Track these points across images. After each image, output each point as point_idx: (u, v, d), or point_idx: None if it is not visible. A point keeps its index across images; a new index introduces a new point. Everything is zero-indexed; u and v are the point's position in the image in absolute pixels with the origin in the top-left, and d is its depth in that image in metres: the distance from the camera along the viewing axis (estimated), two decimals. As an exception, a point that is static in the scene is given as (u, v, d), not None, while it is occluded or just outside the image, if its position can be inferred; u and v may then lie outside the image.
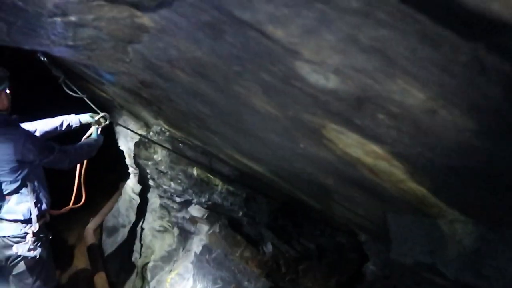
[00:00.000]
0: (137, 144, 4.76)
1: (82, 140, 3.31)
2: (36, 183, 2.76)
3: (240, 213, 4.43)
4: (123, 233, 5.85)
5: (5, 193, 2.64)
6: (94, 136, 3.33)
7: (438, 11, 0.64)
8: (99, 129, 3.40)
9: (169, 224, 5.00)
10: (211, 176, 4.32)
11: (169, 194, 4.69)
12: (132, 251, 5.49)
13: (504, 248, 1.50)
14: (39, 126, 3.17)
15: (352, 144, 1.41)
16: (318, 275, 4.73)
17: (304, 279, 4.73)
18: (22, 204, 2.67)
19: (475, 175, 1.20)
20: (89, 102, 3.16)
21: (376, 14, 0.71)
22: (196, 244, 4.62)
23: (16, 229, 2.69)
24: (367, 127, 1.20)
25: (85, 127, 3.42)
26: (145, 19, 1.23)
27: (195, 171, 4.39)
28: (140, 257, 5.31)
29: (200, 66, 1.43)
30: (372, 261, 3.27)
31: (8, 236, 2.69)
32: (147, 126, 4.50)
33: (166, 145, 4.03)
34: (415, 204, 1.75)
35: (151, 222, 5.26)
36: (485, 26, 0.61)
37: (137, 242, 5.49)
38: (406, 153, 1.25)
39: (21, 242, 2.69)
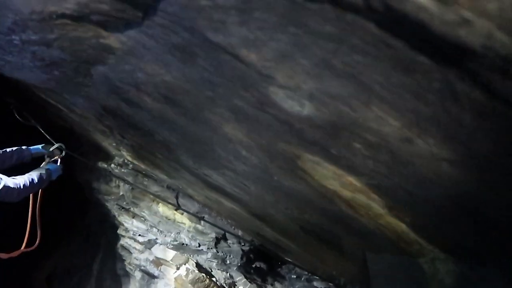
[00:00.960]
0: (96, 177, 4.70)
1: (34, 170, 3.23)
2: None
3: (210, 255, 4.38)
4: (78, 277, 5.67)
5: None
6: (47, 167, 3.25)
7: (411, 36, 0.70)
8: (58, 161, 3.34)
9: (131, 267, 4.88)
10: (178, 214, 4.28)
11: (131, 233, 4.60)
12: (88, 298, 5.31)
13: (486, 286, 1.55)
14: None
15: (328, 176, 1.45)
16: (294, 324, 4.67)
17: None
18: None
19: (454, 208, 1.26)
20: (42, 131, 3.11)
21: (350, 39, 0.76)
22: (161, 290, 4.52)
23: None
24: (343, 157, 1.25)
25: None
26: (112, 40, 1.27)
27: (160, 208, 4.34)
28: (97, 304, 5.14)
29: (169, 91, 1.46)
30: (352, 308, 3.26)
31: None
32: (109, 157, 4.46)
33: (129, 178, 4.00)
34: (395, 241, 1.79)
35: (110, 264, 5.12)
36: (455, 53, 0.66)
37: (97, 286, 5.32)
38: (384, 185, 1.29)
39: None
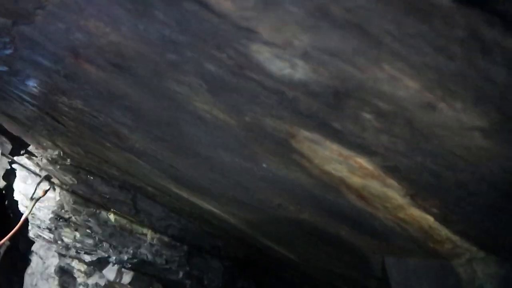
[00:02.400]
0: (22, 179, 4.71)
1: None
2: None
3: (181, 274, 4.47)
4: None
5: None
6: None
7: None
8: None
9: (74, 297, 4.95)
10: (135, 222, 4.35)
11: (73, 251, 4.65)
12: None
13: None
14: None
15: (331, 159, 1.52)
16: None
17: None
18: None
19: (494, 193, 1.33)
20: None
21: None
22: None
23: None
24: (349, 133, 1.31)
25: None
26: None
27: (112, 216, 4.40)
28: None
29: (119, 56, 1.50)
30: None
31: None
32: (36, 151, 4.48)
33: (68, 177, 4.03)
34: (420, 240, 1.87)
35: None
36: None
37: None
38: (403, 166, 1.36)
39: None
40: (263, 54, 1.14)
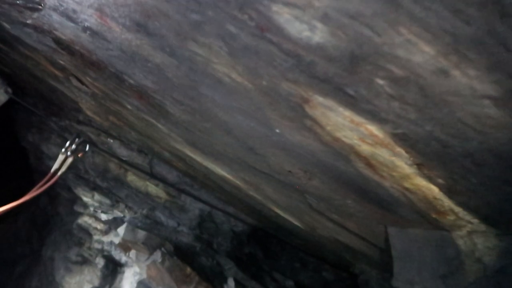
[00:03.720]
0: (46, 139, 4.75)
1: None
2: None
3: (192, 237, 4.50)
4: (23, 267, 5.80)
5: None
6: None
7: None
8: None
9: (90, 253, 5.00)
10: (151, 184, 4.37)
11: (91, 209, 4.69)
12: (35, 292, 5.44)
13: (536, 266, 1.63)
14: None
15: (343, 125, 1.51)
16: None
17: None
18: None
19: (499, 165, 1.32)
20: None
21: None
22: (129, 281, 4.65)
23: None
24: (362, 99, 1.30)
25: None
26: None
27: (129, 177, 4.43)
28: (47, 300, 5.28)
29: (143, 15, 1.49)
30: (369, 300, 3.40)
31: None
32: (62, 112, 4.50)
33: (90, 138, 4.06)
34: (424, 211, 1.87)
35: (64, 249, 5.24)
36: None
37: (43, 279, 5.45)
38: (412, 135, 1.35)
39: None
40: (283, 16, 1.12)
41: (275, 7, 1.10)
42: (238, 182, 3.08)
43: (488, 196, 1.55)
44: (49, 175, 3.70)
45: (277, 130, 1.84)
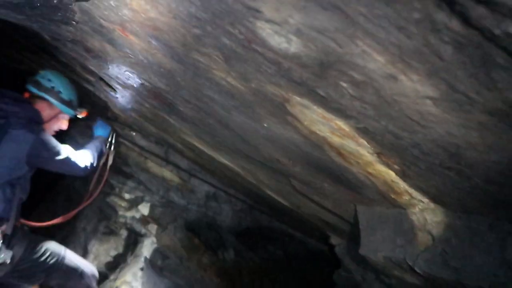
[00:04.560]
0: (79, 132, 4.77)
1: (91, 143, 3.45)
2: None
3: (199, 214, 4.52)
4: (61, 237, 5.83)
5: None
6: (97, 133, 3.60)
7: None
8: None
9: (116, 226, 5.03)
10: (166, 170, 4.39)
11: (117, 190, 4.72)
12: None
13: (473, 236, 1.66)
14: None
15: (317, 121, 1.54)
16: (286, 286, 4.87)
17: (269, 291, 4.86)
18: None
19: (441, 154, 1.34)
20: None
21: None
22: (147, 248, 4.67)
23: None
24: (331, 99, 1.33)
25: None
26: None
27: (148, 164, 4.45)
28: (80, 263, 5.31)
29: (156, 30, 1.52)
30: (344, 266, 3.42)
31: None
32: (93, 108, 4.53)
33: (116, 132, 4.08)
34: (384, 192, 1.89)
35: (94, 223, 5.27)
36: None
37: (77, 246, 5.48)
38: (371, 128, 1.38)
39: None
40: (265, 30, 1.15)
41: (258, 23, 1.13)
42: (237, 169, 3.10)
43: (434, 180, 1.57)
44: (100, 168, 3.72)
45: (265, 125, 1.86)
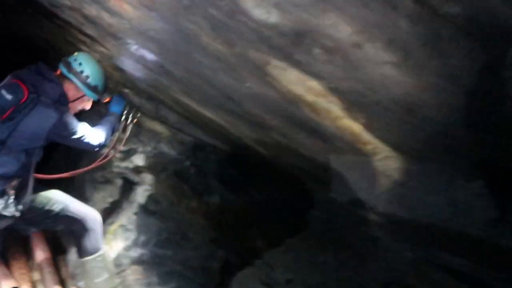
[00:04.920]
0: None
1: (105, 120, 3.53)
2: None
3: (187, 163, 4.61)
4: (59, 185, 5.88)
5: None
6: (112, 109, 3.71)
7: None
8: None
9: (112, 175, 5.10)
10: (157, 124, 4.43)
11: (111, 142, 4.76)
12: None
13: (425, 180, 1.79)
14: None
15: (293, 81, 1.61)
16: (264, 226, 5.06)
17: (249, 230, 5.05)
18: None
19: (400, 109, 1.44)
20: None
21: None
22: (141, 195, 4.77)
23: None
24: (306, 62, 1.40)
25: None
26: None
27: (141, 118, 4.48)
28: (80, 209, 5.40)
29: (150, 1, 1.55)
30: (316, 208, 3.59)
31: None
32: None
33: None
34: (352, 142, 1.99)
35: (91, 173, 5.32)
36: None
37: (76, 195, 5.55)
38: (340, 88, 1.47)
39: None
40: (248, 3, 1.21)
41: (242, -3, 1.19)
42: (222, 122, 3.17)
43: (394, 132, 1.68)
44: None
45: (247, 84, 1.92)
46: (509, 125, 1.17)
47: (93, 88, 2.98)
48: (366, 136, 1.85)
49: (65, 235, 4.59)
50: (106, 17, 2.00)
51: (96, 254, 3.17)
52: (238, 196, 4.86)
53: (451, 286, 2.27)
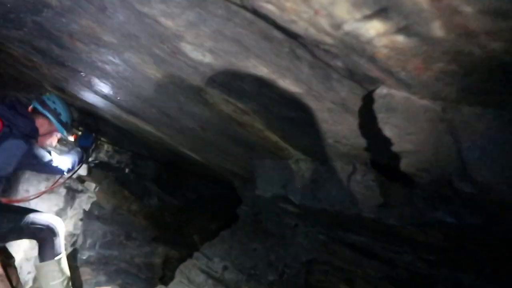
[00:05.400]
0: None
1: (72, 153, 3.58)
2: None
3: (127, 170, 4.64)
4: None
5: None
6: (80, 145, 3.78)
7: (266, 19, 1.03)
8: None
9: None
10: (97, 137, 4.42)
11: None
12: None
13: (331, 177, 2.06)
14: None
15: (223, 103, 1.80)
16: (199, 222, 5.21)
17: (186, 227, 5.17)
18: None
19: (303, 124, 1.68)
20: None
21: (235, 19, 1.08)
22: (85, 202, 4.72)
23: None
24: (233, 89, 1.60)
25: None
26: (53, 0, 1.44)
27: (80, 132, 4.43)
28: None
29: (99, 40, 1.66)
30: (244, 203, 3.80)
31: None
32: (29, 88, 4.34)
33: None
34: (271, 149, 2.22)
35: (36, 184, 5.14)
36: (289, 33, 1.02)
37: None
38: (259, 109, 1.68)
39: None
40: (187, 48, 1.38)
41: (182, 43, 1.36)
42: (160, 134, 3.27)
43: (302, 139, 1.92)
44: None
45: (185, 108, 2.08)
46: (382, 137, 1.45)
47: (64, 124, 3.12)
48: (282, 143, 2.09)
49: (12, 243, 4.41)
50: (55, 50, 2.05)
51: (56, 258, 3.15)
52: (175, 197, 4.96)
53: (356, 259, 2.58)
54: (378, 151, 1.61)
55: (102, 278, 4.45)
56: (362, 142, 1.58)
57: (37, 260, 3.22)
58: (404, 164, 1.22)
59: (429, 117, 1.01)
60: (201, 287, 3.35)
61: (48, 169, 3.03)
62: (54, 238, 3.17)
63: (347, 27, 0.84)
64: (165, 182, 5.02)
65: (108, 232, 4.63)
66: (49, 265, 3.12)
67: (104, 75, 2.14)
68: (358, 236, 2.60)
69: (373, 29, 0.81)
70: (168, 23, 1.23)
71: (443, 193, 1.33)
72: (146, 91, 2.12)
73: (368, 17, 0.79)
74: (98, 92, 2.61)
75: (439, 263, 2.11)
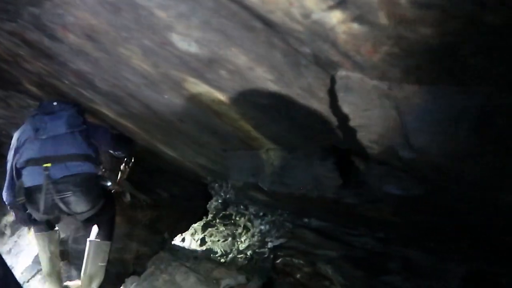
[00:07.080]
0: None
1: None
2: None
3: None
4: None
5: None
6: None
7: (246, 9, 1.21)
8: None
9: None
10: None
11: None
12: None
13: (297, 163, 2.24)
14: None
15: (204, 93, 1.96)
16: (171, 219, 5.28)
17: (158, 223, 5.23)
18: None
19: (274, 112, 1.86)
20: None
21: (222, 11, 1.25)
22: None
23: None
24: (214, 80, 1.76)
25: None
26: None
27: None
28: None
29: (93, 32, 1.78)
30: (215, 198, 3.94)
31: None
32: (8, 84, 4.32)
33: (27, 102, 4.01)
34: (244, 139, 2.38)
35: None
36: (267, 22, 1.20)
37: None
38: (237, 98, 1.84)
39: None
40: (175, 38, 1.52)
41: (172, 34, 1.51)
42: (138, 130, 3.36)
43: (273, 129, 2.09)
44: None
45: (166, 96, 2.20)
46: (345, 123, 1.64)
47: None
48: (255, 133, 2.24)
49: None
50: (46, 42, 2.14)
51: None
52: (147, 195, 5.02)
53: (318, 241, 2.77)
54: (337, 134, 1.80)
55: (74, 272, 4.44)
56: (325, 127, 1.77)
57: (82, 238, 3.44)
58: (359, 137, 1.42)
59: (378, 94, 1.21)
60: (172, 275, 3.45)
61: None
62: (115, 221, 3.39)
63: (315, 16, 1.04)
64: (138, 180, 5.07)
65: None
66: (108, 245, 3.21)
67: (92, 65, 2.23)
68: (320, 221, 2.80)
69: (335, 17, 1.01)
70: (161, 14, 1.39)
71: (392, 165, 1.54)
72: (131, 82, 2.23)
73: (331, 8, 0.98)
74: (83, 85, 2.69)
75: (391, 240, 2.33)
